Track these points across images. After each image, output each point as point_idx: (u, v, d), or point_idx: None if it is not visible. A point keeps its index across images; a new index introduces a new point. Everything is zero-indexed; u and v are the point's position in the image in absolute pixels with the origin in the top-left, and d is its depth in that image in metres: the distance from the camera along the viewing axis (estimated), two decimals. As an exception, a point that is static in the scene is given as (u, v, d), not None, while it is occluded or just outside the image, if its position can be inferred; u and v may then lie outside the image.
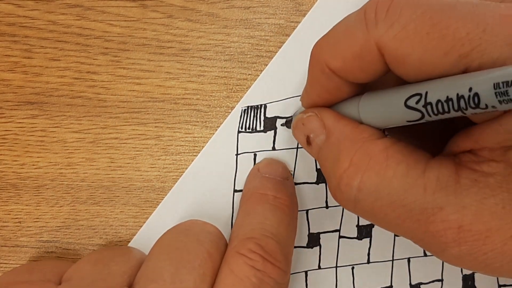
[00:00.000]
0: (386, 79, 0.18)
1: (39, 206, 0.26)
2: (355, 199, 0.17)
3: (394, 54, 0.16)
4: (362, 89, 0.19)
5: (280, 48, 0.26)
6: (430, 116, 0.15)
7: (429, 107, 0.15)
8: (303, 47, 0.26)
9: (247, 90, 0.26)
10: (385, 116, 0.18)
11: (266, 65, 0.26)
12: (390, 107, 0.17)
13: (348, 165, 0.17)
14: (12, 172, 0.26)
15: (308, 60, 0.20)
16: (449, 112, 0.15)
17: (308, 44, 0.26)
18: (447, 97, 0.14)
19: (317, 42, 0.19)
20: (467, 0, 0.15)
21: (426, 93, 0.15)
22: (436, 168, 0.16)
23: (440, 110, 0.15)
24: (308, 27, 0.26)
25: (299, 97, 0.25)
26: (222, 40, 0.26)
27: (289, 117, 0.25)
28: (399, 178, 0.16)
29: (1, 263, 0.26)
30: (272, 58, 0.26)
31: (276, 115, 0.25)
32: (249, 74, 0.26)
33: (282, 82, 0.25)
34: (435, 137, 0.20)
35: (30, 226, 0.26)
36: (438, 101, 0.15)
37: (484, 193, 0.15)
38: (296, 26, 0.26)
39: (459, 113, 0.14)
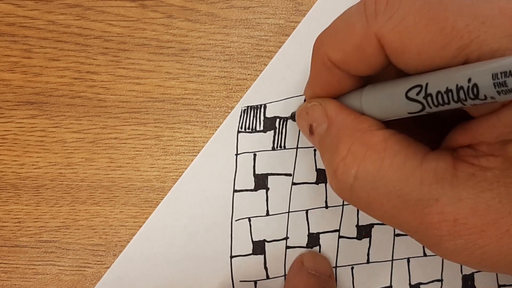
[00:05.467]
0: (388, 72, 0.18)
1: (39, 206, 0.26)
2: (351, 187, 0.17)
3: (394, 46, 0.16)
4: (364, 82, 0.19)
5: (280, 48, 0.26)
6: (430, 107, 0.15)
7: (429, 99, 0.15)
8: (302, 47, 0.26)
9: (246, 90, 0.26)
10: (387, 108, 0.18)
11: (266, 65, 0.26)
12: (391, 99, 0.17)
13: (346, 153, 0.17)
14: (12, 172, 0.26)
15: (309, 60, 0.20)
16: (449, 103, 0.15)
17: (308, 44, 0.26)
18: (447, 88, 0.14)
19: (319, 36, 0.19)
20: None
21: (427, 84, 0.15)
22: (434, 160, 0.16)
23: (440, 101, 0.15)
24: (308, 27, 0.26)
25: (299, 97, 0.25)
26: (222, 40, 0.26)
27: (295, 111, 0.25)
28: (396, 168, 0.16)
29: (0, 263, 0.26)
30: (272, 58, 0.26)
31: (276, 115, 0.25)
32: (248, 74, 0.26)
33: (282, 82, 0.25)
34: (433, 132, 0.20)
35: (30, 226, 0.26)
36: (438, 92, 0.15)
37: (481, 186, 0.15)
38: (296, 26, 0.26)
39: (459, 104, 0.15)
